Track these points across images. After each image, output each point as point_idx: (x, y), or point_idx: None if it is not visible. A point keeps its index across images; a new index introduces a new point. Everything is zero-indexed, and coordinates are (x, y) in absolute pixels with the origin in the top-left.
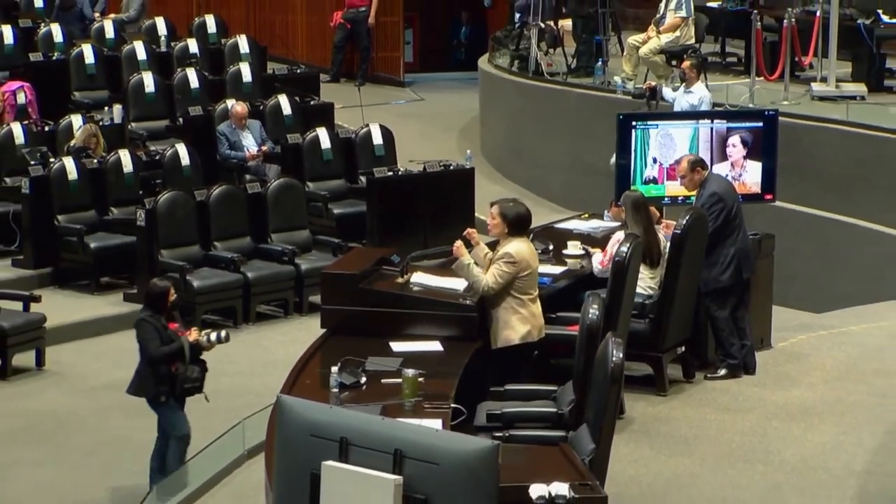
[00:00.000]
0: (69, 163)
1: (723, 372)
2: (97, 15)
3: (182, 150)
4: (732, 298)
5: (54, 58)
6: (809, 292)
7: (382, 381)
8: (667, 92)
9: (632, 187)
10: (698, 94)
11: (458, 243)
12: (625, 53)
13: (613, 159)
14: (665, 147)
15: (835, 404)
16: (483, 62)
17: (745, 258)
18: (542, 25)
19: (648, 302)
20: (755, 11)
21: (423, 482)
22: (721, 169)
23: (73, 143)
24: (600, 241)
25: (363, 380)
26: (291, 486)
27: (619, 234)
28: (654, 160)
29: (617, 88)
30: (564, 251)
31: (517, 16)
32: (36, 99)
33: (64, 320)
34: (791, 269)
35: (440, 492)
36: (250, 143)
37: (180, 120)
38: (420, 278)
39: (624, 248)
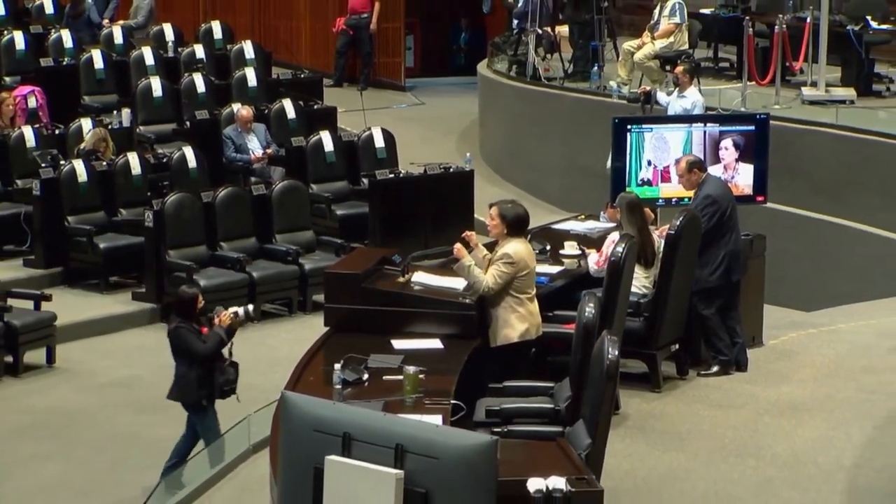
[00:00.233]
0: (79, 165)
1: (715, 369)
2: (106, 21)
3: (189, 152)
4: (720, 299)
5: (64, 63)
6: (800, 291)
7: (384, 377)
8: (661, 96)
9: (627, 189)
10: (691, 99)
11: (458, 245)
12: (620, 59)
13: (609, 162)
14: (659, 150)
15: (824, 400)
16: (482, 67)
17: (735, 260)
18: (540, 31)
19: (643, 301)
20: (747, 18)
21: (423, 476)
22: (714, 171)
23: (82, 146)
24: (596, 241)
25: (365, 376)
26: (296, 479)
27: (615, 235)
28: (649, 163)
29: (612, 93)
30: (561, 251)
31: (515, 22)
32: (46, 103)
33: (74, 319)
34: (782, 268)
35: (440, 486)
36: (255, 146)
37: (187, 123)
38: (421, 278)
39: (619, 249)
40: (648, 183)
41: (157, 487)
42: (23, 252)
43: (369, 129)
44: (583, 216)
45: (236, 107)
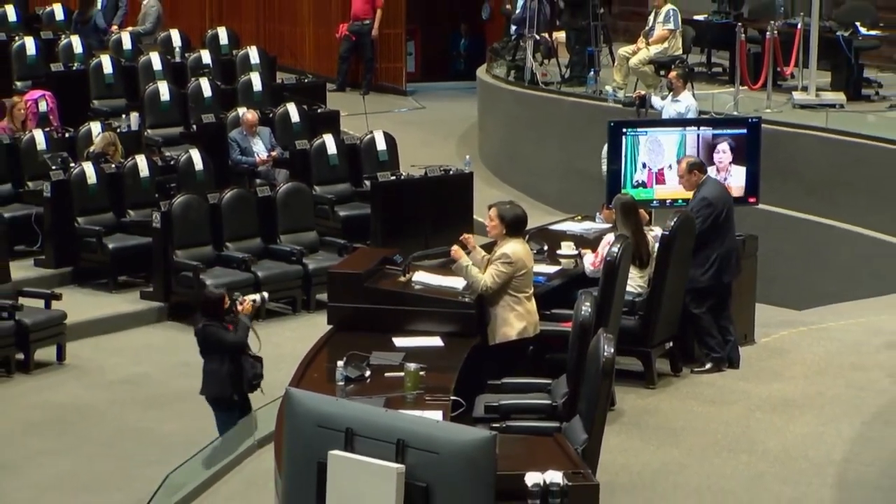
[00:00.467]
0: (88, 168)
1: (708, 366)
2: (115, 27)
3: (196, 155)
4: (712, 299)
5: (74, 68)
6: (791, 290)
7: (386, 374)
8: (655, 100)
9: (622, 191)
10: (685, 103)
11: (455, 247)
12: (616, 64)
13: (604, 152)
14: (654, 153)
15: (815, 397)
16: (481, 72)
17: (726, 262)
18: (538, 37)
19: (638, 300)
20: (739, 24)
21: (424, 470)
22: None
23: (92, 148)
24: (592, 242)
25: (367, 373)
26: (299, 474)
27: (610, 237)
28: (644, 165)
29: (608, 97)
30: (558, 251)
31: (513, 28)
32: (57, 107)
33: (83, 317)
34: (773, 268)
35: (440, 480)
36: (260, 149)
37: (194, 127)
38: (421, 277)
39: (615, 249)
40: (643, 185)
41: (163, 482)
42: (34, 252)
43: (371, 132)
44: (579, 217)
45: (242, 111)
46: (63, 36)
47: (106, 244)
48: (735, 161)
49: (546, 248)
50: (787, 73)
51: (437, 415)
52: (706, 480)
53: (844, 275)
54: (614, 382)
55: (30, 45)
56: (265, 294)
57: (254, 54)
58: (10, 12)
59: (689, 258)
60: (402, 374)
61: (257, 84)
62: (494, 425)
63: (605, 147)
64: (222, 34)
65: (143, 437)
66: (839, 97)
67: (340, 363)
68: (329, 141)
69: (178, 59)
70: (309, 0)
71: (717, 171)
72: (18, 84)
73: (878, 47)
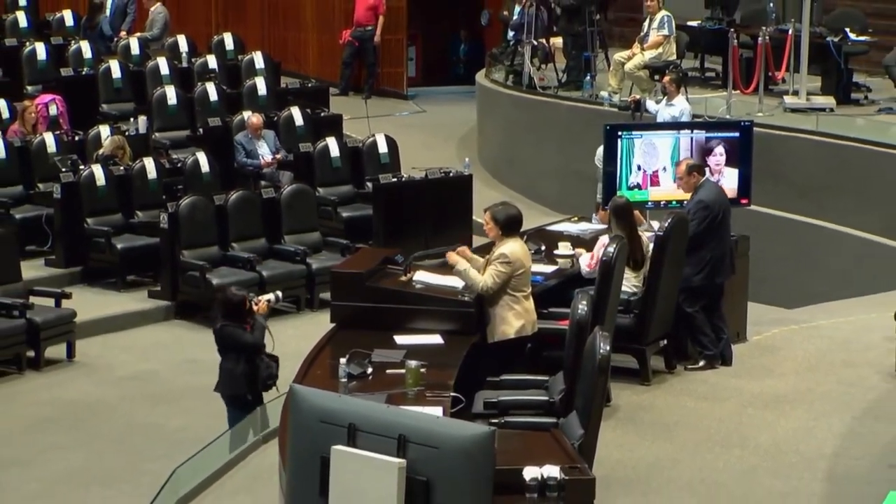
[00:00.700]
0: (98, 170)
1: (701, 363)
2: (123, 33)
3: (202, 158)
4: (705, 299)
5: (84, 73)
6: (782, 289)
7: (387, 371)
8: (650, 104)
9: (618, 193)
10: (679, 107)
11: (450, 253)
12: (611, 69)
13: (598, 154)
14: (648, 155)
15: (806, 393)
16: (480, 77)
17: (719, 264)
18: (535, 43)
19: (633, 299)
20: (732, 30)
21: (424, 465)
22: None
23: (101, 151)
24: (588, 242)
25: (369, 370)
26: (303, 468)
27: (605, 238)
28: (639, 167)
29: (604, 101)
30: (555, 251)
31: (511, 34)
32: (67, 111)
33: (93, 315)
34: (765, 268)
35: (440, 474)
36: (265, 152)
37: (200, 130)
38: (422, 276)
39: (611, 249)
40: (638, 187)
41: (170, 477)
42: (44, 252)
43: (373, 135)
44: (576, 218)
45: (247, 114)
46: (73, 41)
47: (114, 244)
48: (728, 163)
49: (544, 248)
50: (779, 78)
51: (437, 411)
52: (699, 474)
53: (834, 274)
54: (610, 379)
55: (40, 50)
56: (279, 293)
57: (259, 59)
58: (21, 18)
59: (683, 258)
60: (403, 371)
61: (262, 88)
62: (493, 421)
63: (600, 149)
64: (228, 40)
65: (151, 432)
66: (829, 101)
67: (343, 360)
68: (332, 144)
69: (184, 64)
70: (312, 6)
71: (712, 173)
72: (29, 88)
73: (867, 52)
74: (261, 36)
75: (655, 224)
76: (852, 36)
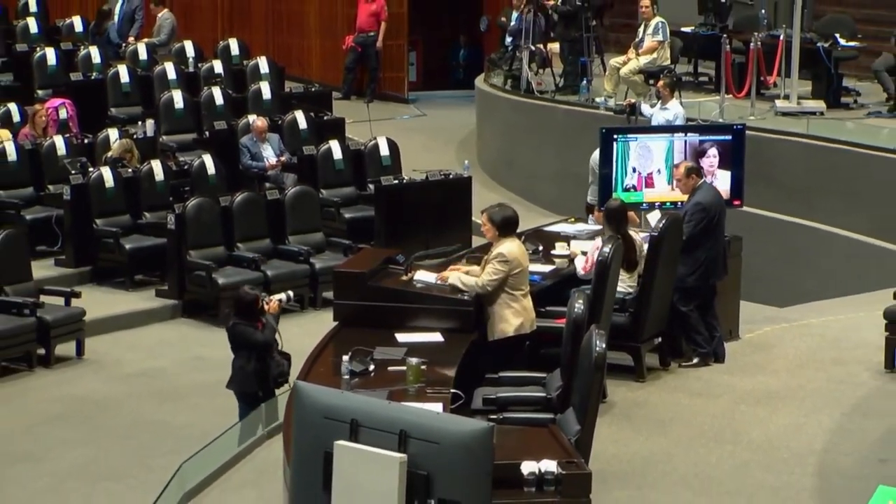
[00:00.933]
0: (106, 172)
1: (695, 360)
2: (131, 39)
3: (208, 160)
4: (698, 298)
5: (93, 77)
6: (773, 289)
7: (389, 368)
8: (645, 108)
9: (613, 195)
10: (673, 111)
11: (439, 273)
12: (607, 73)
13: (594, 157)
14: (643, 158)
15: (797, 389)
16: (479, 81)
17: (713, 265)
18: (533, 48)
19: (628, 298)
20: (725, 35)
21: (425, 460)
22: None
23: (110, 154)
24: (585, 242)
25: (371, 367)
26: (307, 463)
27: (598, 241)
28: (634, 169)
29: (600, 105)
30: (553, 252)
31: (510, 39)
32: (76, 114)
33: (102, 314)
34: (757, 267)
35: (441, 469)
36: (270, 155)
37: (206, 133)
38: (422, 276)
39: (606, 249)
40: (633, 188)
41: (178, 471)
42: (54, 252)
43: (375, 138)
44: (573, 219)
45: (252, 118)
46: (82, 47)
47: (123, 245)
48: (720, 166)
49: (541, 248)
50: (770, 83)
51: (437, 407)
52: (693, 469)
53: (824, 274)
54: (606, 376)
55: (50, 55)
56: (290, 293)
57: (263, 64)
58: (32, 24)
59: (677, 258)
60: (404, 368)
61: (267, 93)
62: (492, 417)
63: (596, 152)
64: (233, 45)
65: (159, 428)
66: (819, 105)
67: (346, 358)
68: (335, 147)
69: (191, 69)
70: (316, 13)
71: (705, 175)
72: (40, 92)
73: (856, 58)
74: (265, 41)
75: (655, 216)
76: (842, 41)
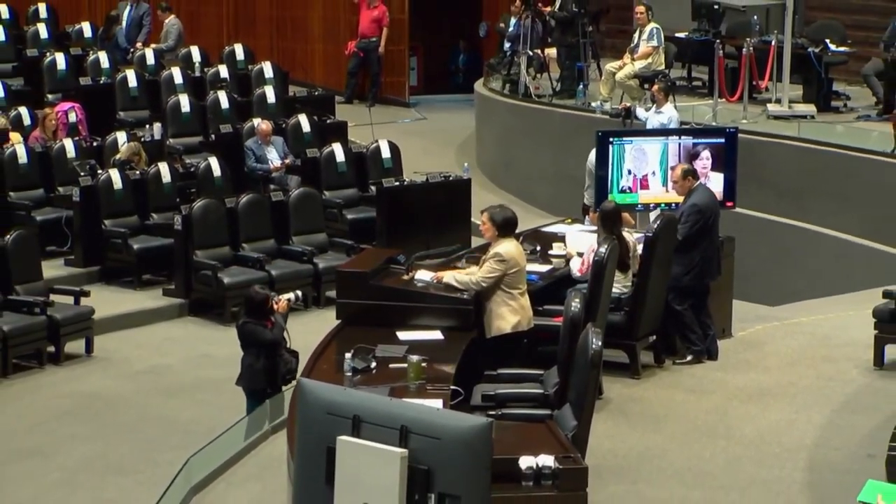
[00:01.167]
0: (115, 174)
1: (689, 358)
2: (139, 44)
3: (214, 162)
4: (692, 297)
5: (102, 82)
6: (765, 288)
7: (390, 365)
8: (640, 112)
9: (609, 196)
10: (668, 114)
11: (435, 275)
12: (603, 78)
13: (590, 158)
14: (638, 160)
15: (787, 386)
16: (478, 86)
17: (708, 265)
18: (530, 53)
19: (623, 297)
20: (718, 41)
21: (426, 455)
22: None
23: (118, 156)
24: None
25: (373, 365)
26: (311, 458)
27: (593, 243)
28: (629, 172)
29: (596, 109)
30: (550, 252)
31: (508, 45)
32: (85, 118)
33: (110, 312)
34: (749, 267)
35: (441, 463)
36: (274, 157)
37: (212, 136)
38: (423, 275)
39: (602, 249)
40: (629, 190)
41: (184, 465)
42: (64, 252)
43: (377, 141)
44: (569, 220)
45: (257, 121)
46: (91, 52)
47: (131, 245)
48: (713, 168)
49: (539, 248)
50: (762, 87)
51: (437, 403)
52: (687, 463)
53: (814, 273)
54: (602, 373)
55: (60, 60)
56: (298, 293)
57: (268, 69)
58: (42, 30)
59: (671, 258)
60: (405, 365)
61: (271, 96)
62: (491, 413)
63: (592, 153)
64: (239, 50)
65: (165, 423)
66: (810, 109)
67: (348, 355)
68: (338, 149)
69: (197, 74)
70: (319, 19)
71: (699, 177)
72: (50, 97)
73: (846, 62)
74: (270, 47)
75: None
76: (832, 47)
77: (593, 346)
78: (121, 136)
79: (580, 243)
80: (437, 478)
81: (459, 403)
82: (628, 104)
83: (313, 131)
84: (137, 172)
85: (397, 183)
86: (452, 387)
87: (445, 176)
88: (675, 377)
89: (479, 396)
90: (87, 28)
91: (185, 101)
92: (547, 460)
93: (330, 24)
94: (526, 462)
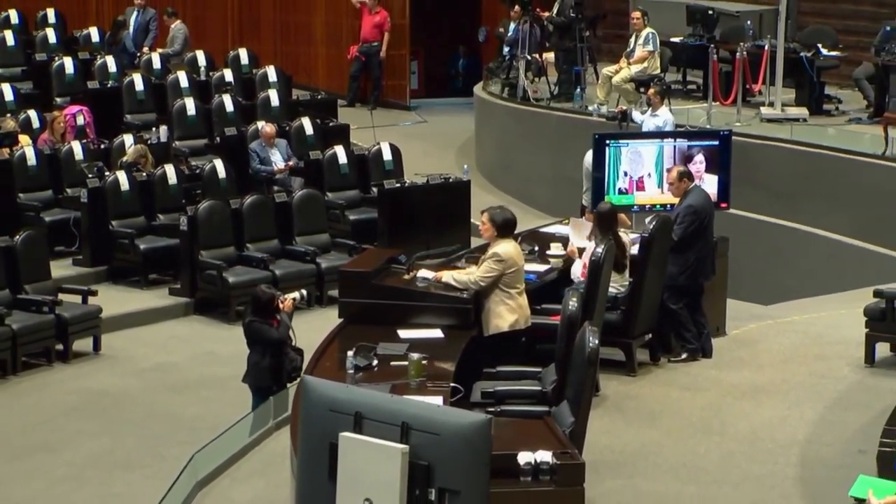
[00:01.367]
0: (122, 176)
1: (684, 356)
2: (146, 49)
3: (219, 164)
4: (687, 296)
5: (109, 85)
6: (758, 287)
7: (391, 363)
8: (636, 115)
9: (605, 198)
10: (663, 117)
11: (434, 275)
12: (599, 82)
13: (587, 159)
14: (634, 162)
15: (780, 384)
16: (478, 89)
17: (703, 265)
18: (529, 58)
19: (620, 296)
20: (712, 45)
21: (426, 450)
22: None
23: (125, 159)
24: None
25: (375, 362)
26: (313, 453)
27: (592, 246)
28: (625, 173)
29: (593, 112)
30: (548, 252)
31: (507, 49)
32: (93, 121)
33: (117, 311)
34: (743, 267)
35: (441, 459)
36: (278, 159)
37: (217, 139)
38: (423, 275)
39: (599, 250)
40: (625, 191)
41: (190, 461)
42: (72, 252)
43: (378, 143)
44: (567, 221)
45: (261, 124)
46: (99, 56)
47: (138, 245)
48: (708, 170)
49: (537, 248)
50: (756, 90)
51: (437, 400)
52: (681, 459)
53: (807, 273)
54: (599, 370)
55: (68, 64)
56: (304, 292)
57: (272, 73)
58: (51, 35)
59: (667, 258)
60: (406, 363)
61: (275, 100)
62: (490, 409)
63: (588, 155)
64: (243, 55)
65: (171, 419)
66: (802, 112)
67: (350, 353)
68: (340, 151)
69: (203, 78)
70: (322, 24)
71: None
72: (58, 100)
73: (837, 66)
74: (274, 51)
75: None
76: (824, 51)
77: (590, 344)
78: (128, 139)
79: (582, 233)
80: (438, 473)
81: (459, 400)
82: (624, 107)
83: (316, 134)
84: (144, 174)
85: (398, 184)
86: (452, 384)
87: (445, 177)
88: (671, 375)
89: (478, 393)
90: (94, 33)
91: (190, 105)
92: (545, 456)
93: (332, 28)
94: (524, 458)
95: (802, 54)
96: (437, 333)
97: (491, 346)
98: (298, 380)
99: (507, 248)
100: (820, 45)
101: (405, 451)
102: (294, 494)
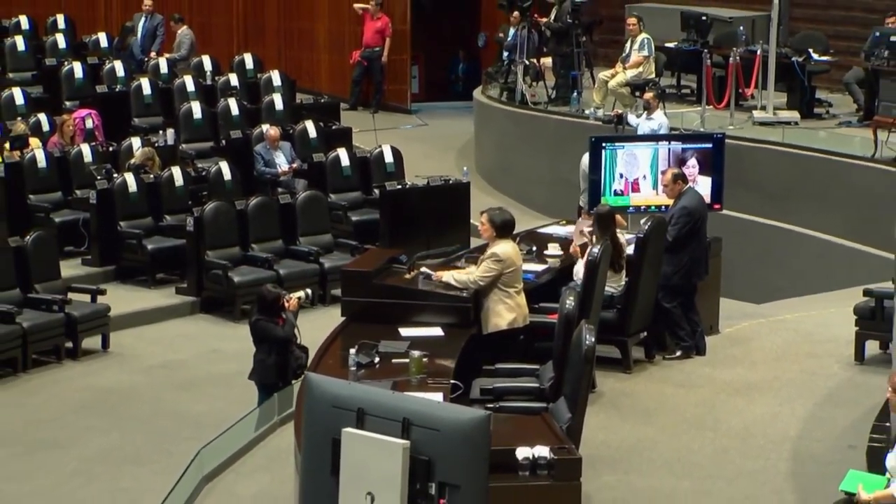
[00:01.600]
0: (130, 178)
1: (678, 353)
2: (153, 54)
3: (224, 167)
4: (681, 296)
5: (117, 89)
6: (751, 286)
7: (393, 361)
8: (631, 118)
9: (602, 199)
10: (658, 120)
11: (432, 273)
12: (596, 86)
13: (583, 161)
14: (630, 165)
15: (772, 381)
16: (477, 93)
17: (696, 265)
18: (527, 62)
19: (616, 295)
20: (705, 50)
21: (426, 446)
22: None
23: (133, 161)
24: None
25: (377, 360)
26: (317, 449)
27: (581, 228)
28: (621, 175)
29: (589, 115)
30: (546, 252)
31: (506, 54)
32: (101, 124)
33: (125, 310)
34: (736, 267)
35: (441, 454)
36: (282, 161)
37: (223, 142)
38: (426, 270)
39: (595, 250)
40: (620, 193)
41: (196, 456)
42: (81, 252)
43: (380, 146)
44: (564, 222)
45: (265, 127)
46: (107, 61)
47: (145, 245)
48: (701, 172)
49: (535, 249)
50: (748, 94)
51: (438, 396)
52: (676, 454)
53: (798, 273)
54: (595, 368)
55: (77, 69)
56: (308, 291)
57: (276, 77)
58: (60, 40)
59: (661, 258)
60: (407, 360)
61: (279, 104)
62: (489, 406)
63: (585, 157)
64: (248, 59)
65: (178, 416)
66: (794, 115)
67: (352, 351)
68: (342, 154)
69: (209, 82)
70: (325, 30)
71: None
72: (67, 104)
73: (828, 71)
74: (278, 56)
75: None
76: (815, 56)
77: (587, 342)
78: (135, 142)
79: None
80: (438, 468)
81: (459, 397)
82: (620, 111)
83: (319, 137)
84: (151, 176)
85: (399, 186)
86: (452, 381)
87: (445, 179)
88: (665, 372)
89: (477, 390)
90: (103, 38)
91: (196, 108)
92: (542, 451)
93: (335, 34)
94: (522, 453)
95: (794, 59)
96: (437, 331)
97: (490, 343)
98: (303, 377)
99: (505, 248)
100: (811, 51)
101: (406, 447)
102: (298, 489)
